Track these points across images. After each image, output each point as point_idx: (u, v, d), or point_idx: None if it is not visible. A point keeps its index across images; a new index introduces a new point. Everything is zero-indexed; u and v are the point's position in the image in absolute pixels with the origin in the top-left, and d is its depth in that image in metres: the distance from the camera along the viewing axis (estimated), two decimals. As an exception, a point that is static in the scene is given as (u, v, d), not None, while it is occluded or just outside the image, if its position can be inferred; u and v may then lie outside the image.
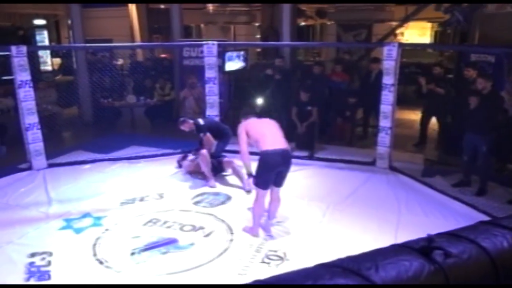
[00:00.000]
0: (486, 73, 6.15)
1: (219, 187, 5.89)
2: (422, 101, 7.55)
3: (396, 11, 14.35)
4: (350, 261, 1.07)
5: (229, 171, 6.19)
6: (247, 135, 4.40)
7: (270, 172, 4.25)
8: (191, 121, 6.14)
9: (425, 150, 7.37)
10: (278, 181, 4.39)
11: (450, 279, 1.04)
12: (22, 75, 6.15)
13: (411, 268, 1.05)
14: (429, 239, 1.12)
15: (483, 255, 1.11)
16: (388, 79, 6.21)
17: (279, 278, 1.00)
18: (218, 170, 6.19)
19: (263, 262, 4.04)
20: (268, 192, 4.44)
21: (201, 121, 6.11)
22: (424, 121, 7.51)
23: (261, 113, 4.88)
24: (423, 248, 1.10)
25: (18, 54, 6.08)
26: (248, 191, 5.59)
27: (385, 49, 6.21)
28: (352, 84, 8.57)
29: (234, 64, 8.60)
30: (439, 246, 1.09)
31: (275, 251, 4.20)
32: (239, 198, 5.53)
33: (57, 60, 14.07)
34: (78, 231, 4.68)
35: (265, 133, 4.33)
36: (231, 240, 4.45)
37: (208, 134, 6.04)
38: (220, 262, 4.06)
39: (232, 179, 6.11)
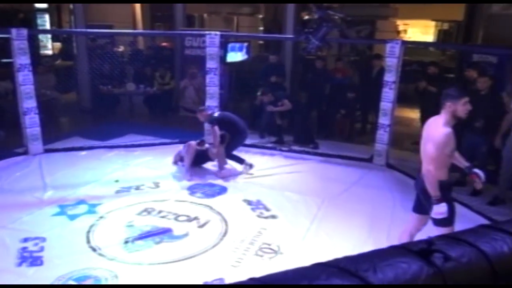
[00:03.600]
0: (487, 73, 6.11)
1: (215, 179, 5.87)
2: (419, 101, 7.51)
3: (401, 8, 14.25)
4: (347, 261, 1.05)
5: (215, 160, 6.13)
6: None
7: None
8: (209, 112, 6.36)
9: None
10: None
11: (448, 282, 1.03)
12: (22, 59, 6.08)
13: (409, 270, 1.04)
14: (429, 241, 1.10)
15: (482, 259, 1.10)
16: (390, 77, 6.17)
17: (274, 277, 0.99)
18: (204, 159, 6.15)
19: (257, 255, 4.03)
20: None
21: (216, 114, 6.32)
22: (423, 121, 7.47)
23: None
24: (422, 250, 1.08)
25: (18, 37, 6.01)
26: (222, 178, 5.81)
27: (388, 46, 6.16)
28: (353, 79, 8.52)
29: (236, 55, 8.54)
30: (438, 249, 1.07)
31: (269, 244, 4.19)
32: (234, 190, 5.52)
33: (58, 45, 13.96)
34: (72, 217, 4.65)
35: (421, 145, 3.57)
36: (225, 231, 4.44)
37: (216, 127, 5.94)
38: (214, 253, 4.05)
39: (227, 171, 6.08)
